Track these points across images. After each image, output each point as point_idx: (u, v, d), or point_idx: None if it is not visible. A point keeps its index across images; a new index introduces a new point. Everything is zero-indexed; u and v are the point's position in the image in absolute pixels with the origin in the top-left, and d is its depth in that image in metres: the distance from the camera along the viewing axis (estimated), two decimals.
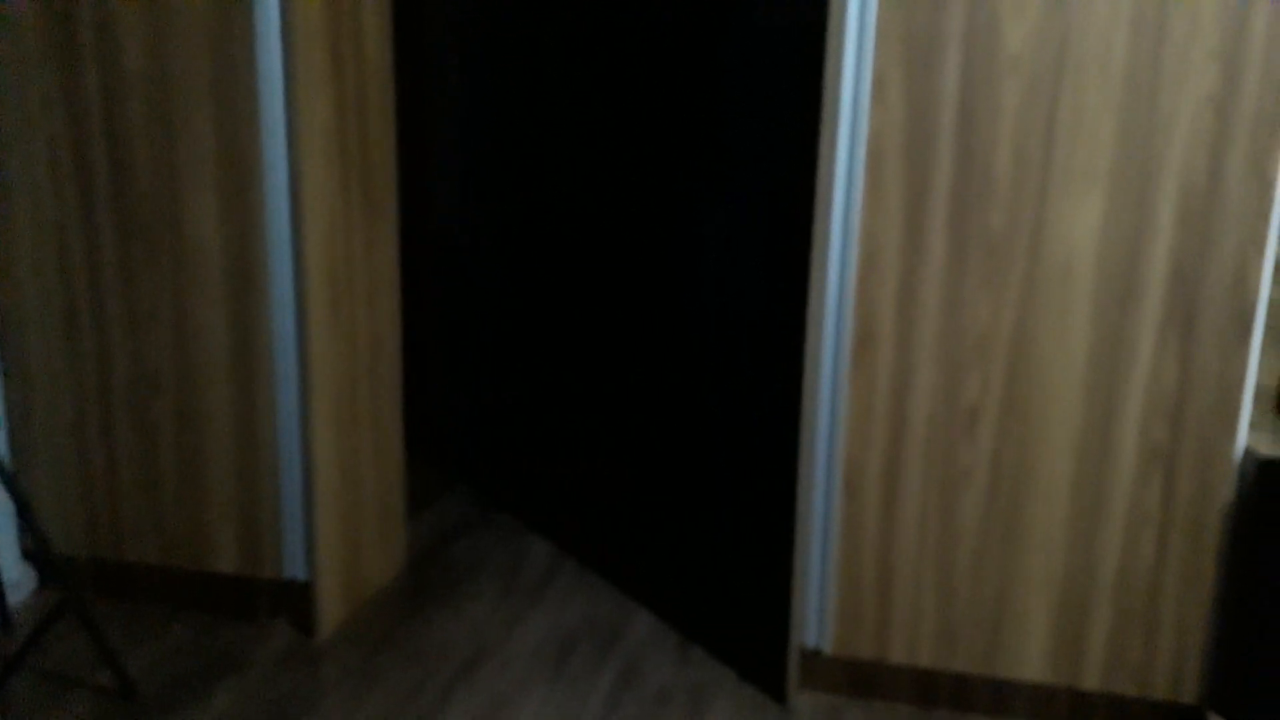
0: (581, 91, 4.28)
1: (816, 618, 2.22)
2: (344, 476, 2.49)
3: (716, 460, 3.80)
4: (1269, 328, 1.96)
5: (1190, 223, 1.93)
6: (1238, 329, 1.95)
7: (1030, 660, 2.15)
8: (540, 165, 4.38)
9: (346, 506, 2.51)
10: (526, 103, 4.33)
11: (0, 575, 2.37)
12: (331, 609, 2.47)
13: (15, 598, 2.53)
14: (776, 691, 2.28)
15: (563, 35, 4.25)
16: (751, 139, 4.12)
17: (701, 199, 4.24)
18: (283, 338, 2.34)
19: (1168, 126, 1.91)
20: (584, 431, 4.06)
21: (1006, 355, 2.04)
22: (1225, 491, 2.01)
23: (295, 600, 2.47)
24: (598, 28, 4.22)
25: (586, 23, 4.23)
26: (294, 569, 2.46)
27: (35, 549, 2.60)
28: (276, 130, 2.25)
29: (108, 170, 2.37)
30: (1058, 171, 1.95)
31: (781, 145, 4.05)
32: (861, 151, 2.00)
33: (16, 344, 2.51)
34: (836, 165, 2.01)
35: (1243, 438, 2.00)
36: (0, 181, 2.43)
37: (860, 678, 2.24)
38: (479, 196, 4.39)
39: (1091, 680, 2.13)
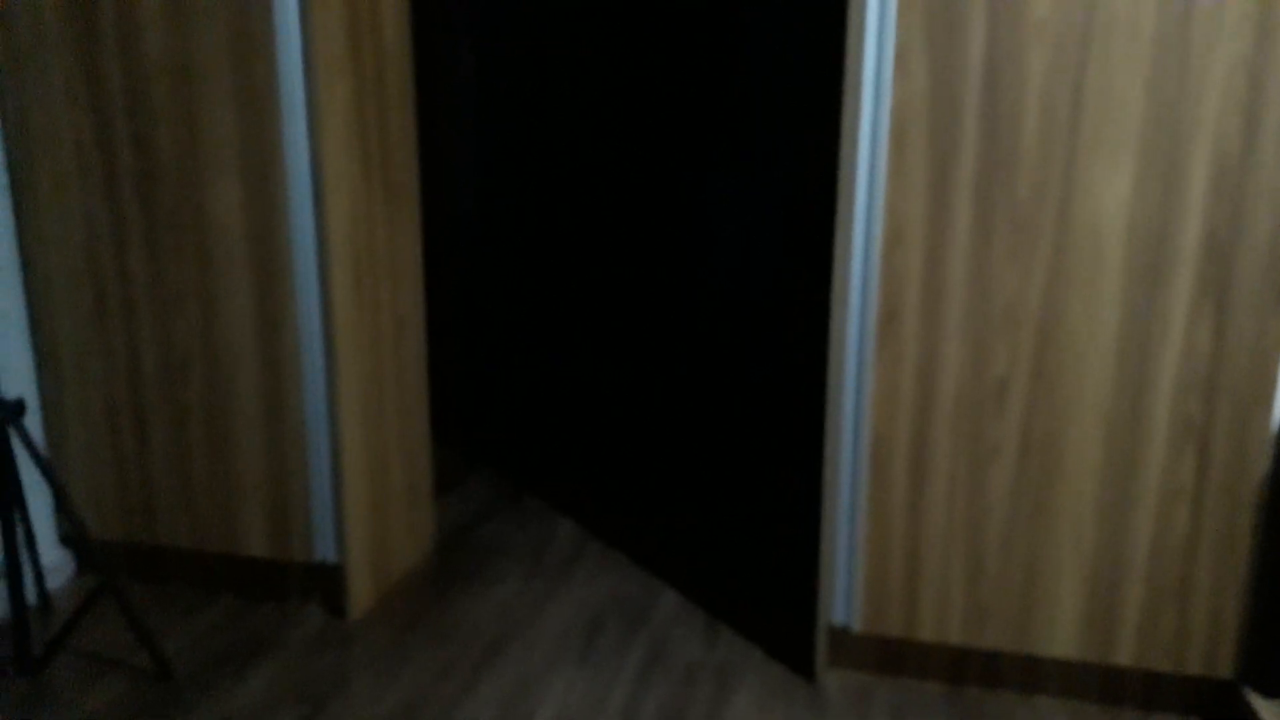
0: (598, 72, 4.26)
1: (845, 595, 2.21)
2: (371, 459, 2.51)
3: (742, 438, 3.79)
4: None
5: (1223, 190, 1.89)
6: (1273, 298, 1.91)
7: (1062, 636, 2.13)
8: (559, 145, 4.36)
9: (375, 489, 2.53)
10: (544, 83, 4.31)
11: (39, 560, 2.42)
12: (361, 591, 2.50)
13: (54, 582, 2.58)
14: (805, 669, 2.28)
15: (579, 14, 4.22)
16: (770, 115, 4.08)
17: (721, 178, 4.21)
18: (308, 321, 2.36)
19: (1199, 91, 1.86)
20: (608, 412, 4.06)
21: (1035, 328, 2.01)
22: (1260, 464, 1.98)
23: (326, 582, 2.50)
24: (614, 7, 4.19)
25: (602, 3, 4.20)
26: (324, 551, 2.48)
27: (72, 534, 2.64)
28: (297, 115, 2.25)
29: (132, 157, 2.39)
30: (1086, 139, 1.92)
31: (801, 120, 4.00)
32: (885, 122, 1.97)
33: (48, 332, 2.55)
34: (860, 137, 1.98)
35: (1278, 410, 1.96)
36: (27, 170, 2.46)
37: (889, 655, 2.23)
38: (499, 178, 4.39)
39: (1124, 656, 2.11)
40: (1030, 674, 2.17)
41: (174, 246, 2.41)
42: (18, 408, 2.12)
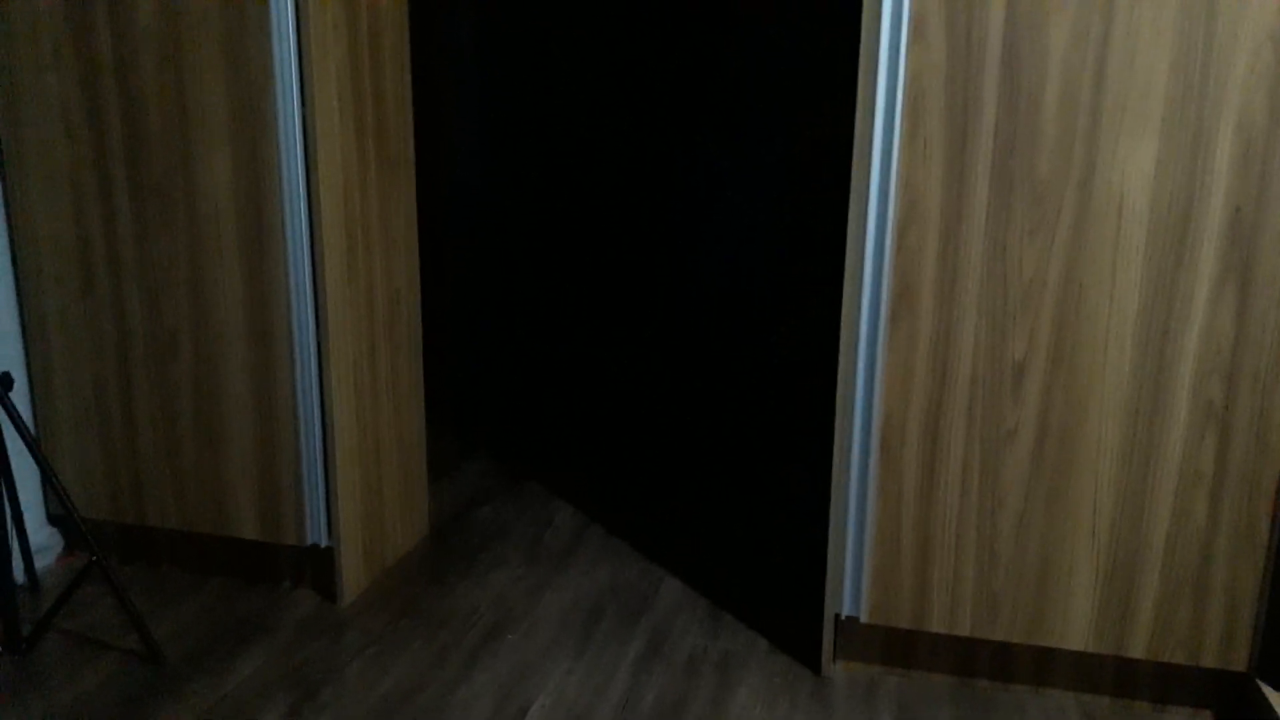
0: (601, 42, 4.19)
1: (853, 585, 2.15)
2: (364, 440, 2.45)
3: (747, 422, 3.73)
4: None
5: (1249, 166, 1.83)
6: None
7: (1075, 629, 2.07)
8: (560, 119, 4.30)
9: (368, 471, 2.48)
10: (545, 55, 4.25)
11: (27, 539, 2.36)
12: (354, 575, 2.44)
13: (42, 562, 2.53)
14: (811, 661, 2.22)
15: None
16: (770, 96, 4.01)
17: (719, 159, 4.15)
18: (299, 297, 2.30)
19: (1225, 64, 1.80)
20: (609, 395, 4.01)
21: (1054, 308, 1.94)
22: None
23: (318, 566, 2.45)
24: None
25: None
26: (316, 535, 2.43)
27: (61, 513, 2.59)
28: (289, 85, 2.19)
29: (121, 130, 2.33)
30: (1108, 113, 1.85)
31: (800, 101, 3.94)
32: (900, 95, 1.91)
33: (36, 310, 2.49)
34: (875, 110, 1.92)
35: None
36: (15, 143, 2.40)
37: (897, 647, 2.18)
38: (499, 154, 4.33)
39: (1138, 648, 2.05)
40: (1042, 667, 2.12)
41: (163, 219, 2.35)
42: (5, 382, 2.06)
